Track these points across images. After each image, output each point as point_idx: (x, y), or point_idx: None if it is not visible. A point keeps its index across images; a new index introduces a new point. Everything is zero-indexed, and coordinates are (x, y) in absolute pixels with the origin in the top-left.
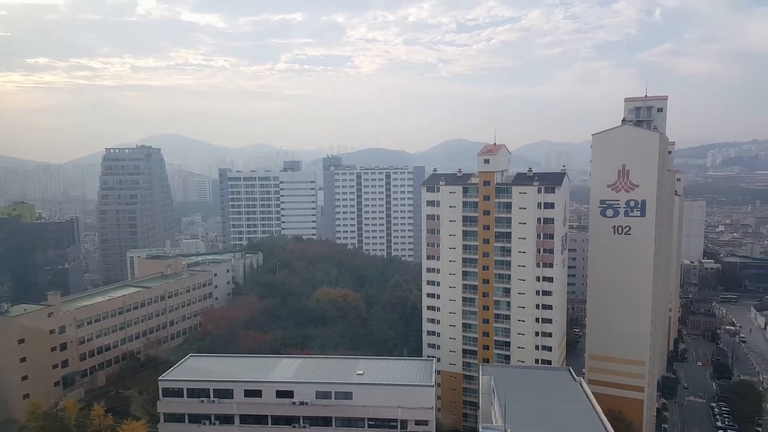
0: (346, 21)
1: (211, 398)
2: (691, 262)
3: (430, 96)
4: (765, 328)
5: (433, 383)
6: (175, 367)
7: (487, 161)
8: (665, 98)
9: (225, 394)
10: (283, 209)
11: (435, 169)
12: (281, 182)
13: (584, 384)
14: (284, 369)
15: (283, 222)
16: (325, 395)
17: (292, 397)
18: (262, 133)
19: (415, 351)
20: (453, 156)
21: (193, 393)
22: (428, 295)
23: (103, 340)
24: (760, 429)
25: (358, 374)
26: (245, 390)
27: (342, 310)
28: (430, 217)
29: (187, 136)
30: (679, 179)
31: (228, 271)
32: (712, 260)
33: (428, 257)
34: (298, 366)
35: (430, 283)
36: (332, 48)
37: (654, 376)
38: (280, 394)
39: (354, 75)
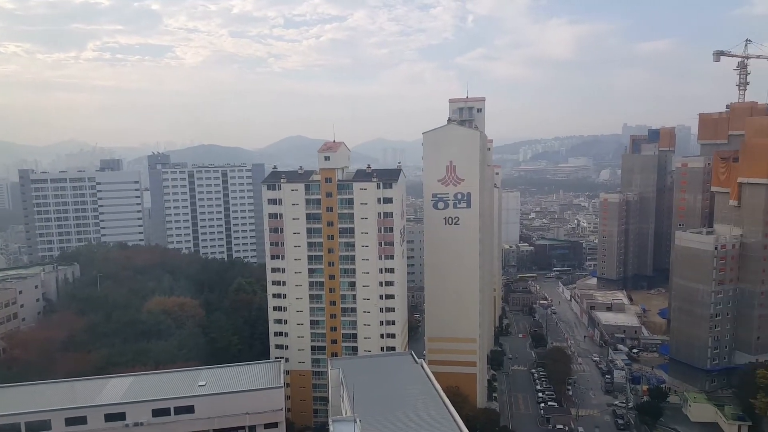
0: (163, 8)
1: None
2: (510, 246)
3: (264, 91)
4: (570, 300)
5: (282, 384)
6: None
7: (327, 158)
8: (483, 99)
9: (41, 426)
10: (102, 214)
11: (275, 167)
12: (98, 183)
13: (425, 365)
14: (113, 390)
15: (103, 228)
16: (163, 412)
17: (125, 419)
18: (73, 129)
19: (263, 354)
20: (293, 153)
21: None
22: (274, 295)
23: None
24: (570, 387)
25: (200, 385)
26: (66, 418)
27: (178, 320)
28: (273, 215)
29: None
30: (497, 173)
31: (36, 286)
32: (526, 243)
33: (272, 257)
34: (130, 384)
35: (276, 283)
36: (149, 37)
37: (484, 351)
38: (110, 417)
39: (177, 66)
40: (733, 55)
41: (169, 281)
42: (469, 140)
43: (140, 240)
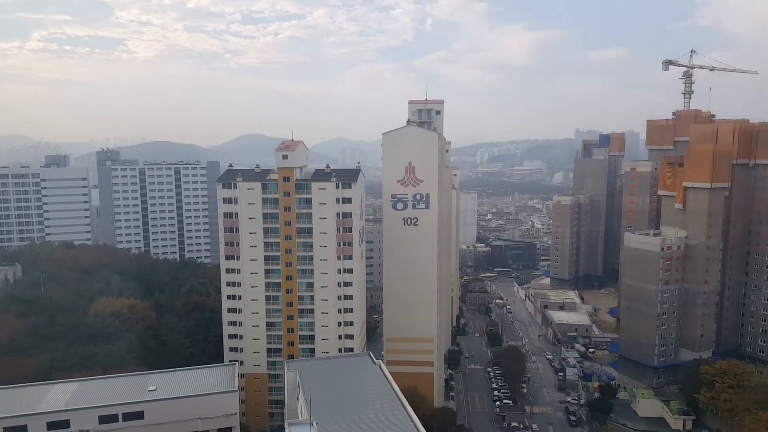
0: (114, 0)
1: None
2: (467, 247)
3: (220, 87)
4: (525, 300)
5: (236, 388)
6: None
7: (285, 157)
8: (442, 102)
9: None
10: (47, 212)
11: (231, 165)
12: (43, 180)
13: (383, 366)
14: (57, 396)
15: (47, 227)
16: (110, 419)
17: (69, 427)
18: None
19: (216, 358)
20: (250, 151)
21: None
22: (229, 296)
23: None
24: (524, 384)
25: (150, 390)
26: (5, 428)
27: (127, 323)
28: (228, 215)
29: None
30: (455, 175)
31: None
32: (483, 244)
33: (227, 257)
34: (75, 390)
35: (231, 284)
36: (99, 29)
37: (442, 351)
38: (53, 425)
39: (129, 60)
40: (680, 65)
41: (118, 282)
42: (429, 142)
43: (87, 239)
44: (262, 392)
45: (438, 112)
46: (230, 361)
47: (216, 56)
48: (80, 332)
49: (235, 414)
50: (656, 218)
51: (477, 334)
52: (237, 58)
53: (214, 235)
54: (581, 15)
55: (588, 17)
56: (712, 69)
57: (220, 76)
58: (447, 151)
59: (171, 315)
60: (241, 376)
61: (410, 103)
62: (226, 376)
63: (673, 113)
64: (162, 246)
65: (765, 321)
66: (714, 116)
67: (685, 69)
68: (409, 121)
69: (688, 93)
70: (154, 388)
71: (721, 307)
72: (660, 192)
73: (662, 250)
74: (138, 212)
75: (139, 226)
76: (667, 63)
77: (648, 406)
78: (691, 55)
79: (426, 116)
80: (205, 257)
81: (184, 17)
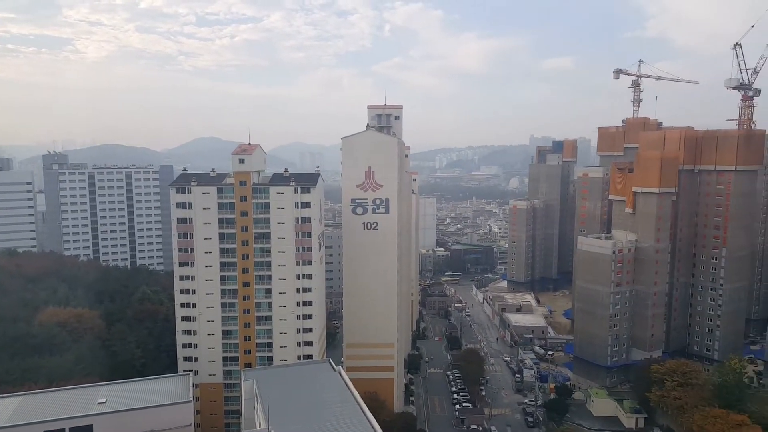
0: None
1: None
2: (427, 251)
3: (174, 90)
4: (483, 303)
5: (191, 398)
6: None
7: (242, 161)
8: (401, 107)
9: None
10: None
11: (185, 169)
12: None
13: (343, 373)
14: None
15: None
16: None
17: None
18: None
19: (170, 368)
20: (205, 155)
21: None
22: (182, 304)
23: None
24: (483, 387)
25: (99, 403)
26: None
27: (75, 333)
28: (182, 220)
29: None
30: (414, 179)
31: None
32: (442, 248)
33: (181, 264)
34: (18, 405)
35: (185, 291)
36: (45, 27)
37: (402, 356)
38: None
39: (78, 61)
40: (629, 74)
41: (65, 291)
42: (388, 146)
43: (32, 246)
44: (218, 402)
45: (397, 117)
46: (184, 371)
47: (170, 58)
48: (24, 343)
49: (190, 425)
50: (608, 222)
51: (437, 338)
52: (191, 60)
53: (167, 241)
54: (534, 24)
55: (541, 26)
56: (659, 78)
57: (174, 78)
58: (406, 156)
59: (122, 324)
60: (196, 386)
61: (369, 107)
62: (180, 387)
63: (623, 121)
64: (112, 253)
65: (711, 321)
66: (661, 124)
67: (634, 78)
68: (368, 125)
69: (636, 101)
70: (103, 400)
71: (669, 307)
72: (611, 197)
73: (613, 253)
74: (87, 218)
75: (87, 233)
76: (618, 72)
77: (602, 405)
78: (639, 65)
79: (385, 121)
80: (158, 264)
81: (136, 18)
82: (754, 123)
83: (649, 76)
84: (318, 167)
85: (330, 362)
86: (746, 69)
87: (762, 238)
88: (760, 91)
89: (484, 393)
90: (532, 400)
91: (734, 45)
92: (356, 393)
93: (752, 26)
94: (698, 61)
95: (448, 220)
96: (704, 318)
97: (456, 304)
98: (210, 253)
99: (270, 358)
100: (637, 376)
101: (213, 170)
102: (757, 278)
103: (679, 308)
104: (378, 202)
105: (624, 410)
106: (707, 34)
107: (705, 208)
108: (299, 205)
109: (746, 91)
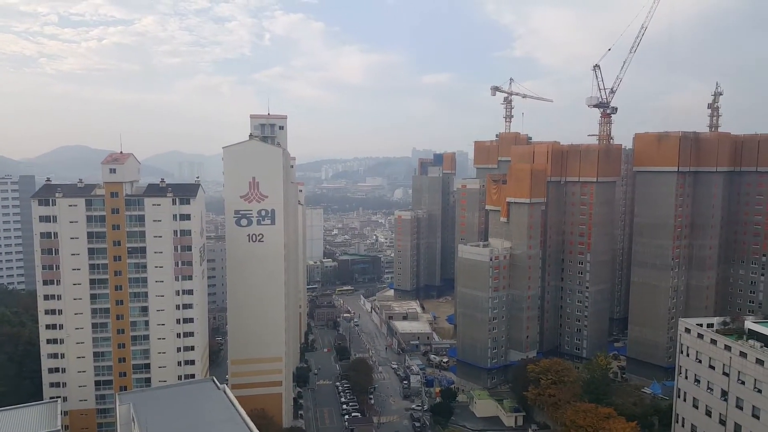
0: None
1: None
2: (314, 262)
3: (34, 94)
4: (371, 312)
5: (58, 427)
6: None
7: (113, 171)
8: (285, 117)
9: None
10: None
11: (48, 179)
12: None
13: (228, 391)
14: None
15: None
16: None
17: None
18: None
19: (34, 395)
20: (71, 165)
21: None
22: (48, 326)
23: None
24: (371, 395)
25: None
26: None
27: None
28: (46, 235)
29: None
30: (301, 190)
31: None
32: (330, 259)
33: (45, 282)
34: None
35: (50, 311)
36: None
37: (290, 369)
38: None
39: None
40: (503, 91)
41: None
42: (273, 157)
43: None
44: (90, 430)
45: (281, 127)
46: (51, 397)
47: (28, 60)
48: None
49: None
50: (485, 231)
51: (325, 349)
52: (54, 63)
53: (29, 258)
54: (412, 40)
55: (418, 43)
56: (524, 96)
57: (33, 81)
58: (292, 166)
59: None
60: (65, 413)
61: (252, 117)
62: (46, 415)
63: (497, 135)
64: None
65: (579, 321)
66: (531, 138)
67: (506, 95)
68: (251, 135)
69: (508, 117)
70: None
71: (542, 310)
72: (487, 207)
73: (490, 260)
74: None
75: None
76: (495, 89)
77: (484, 406)
78: (510, 83)
79: (269, 131)
80: (18, 283)
81: None
82: (612, 138)
83: (518, 94)
84: (198, 177)
85: (214, 380)
86: (604, 89)
87: (621, 244)
88: (616, 108)
89: (373, 401)
90: (419, 405)
91: (594, 66)
92: (242, 411)
93: (609, 50)
94: (561, 79)
95: (335, 231)
96: (573, 318)
97: (344, 315)
98: (78, 270)
99: (148, 380)
100: (515, 376)
101: (80, 181)
102: (618, 280)
103: (551, 310)
104: (263, 213)
105: (504, 410)
106: (569, 54)
107: (571, 217)
108: (178, 217)
109: (605, 108)
